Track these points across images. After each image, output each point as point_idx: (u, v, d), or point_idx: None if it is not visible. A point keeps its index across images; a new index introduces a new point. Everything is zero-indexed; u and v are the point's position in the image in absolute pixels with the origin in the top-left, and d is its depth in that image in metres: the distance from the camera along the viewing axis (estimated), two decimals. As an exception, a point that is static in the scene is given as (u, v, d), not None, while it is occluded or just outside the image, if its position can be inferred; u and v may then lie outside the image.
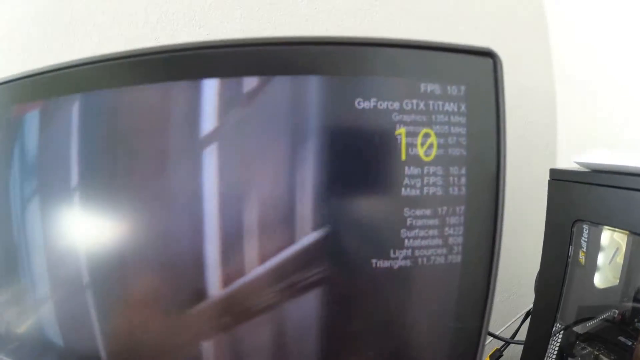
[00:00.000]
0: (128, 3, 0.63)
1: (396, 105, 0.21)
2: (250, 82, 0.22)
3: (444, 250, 0.22)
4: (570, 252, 0.51)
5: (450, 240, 0.22)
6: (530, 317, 0.59)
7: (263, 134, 0.23)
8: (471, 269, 0.22)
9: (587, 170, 0.50)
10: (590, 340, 0.55)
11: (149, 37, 0.63)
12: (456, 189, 0.22)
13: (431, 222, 0.22)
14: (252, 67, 0.22)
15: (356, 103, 0.21)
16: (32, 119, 0.28)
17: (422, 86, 0.21)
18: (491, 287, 0.22)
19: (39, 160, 0.29)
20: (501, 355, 0.68)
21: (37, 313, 0.33)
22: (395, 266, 0.22)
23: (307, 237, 0.22)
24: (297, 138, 0.22)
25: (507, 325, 0.74)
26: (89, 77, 0.26)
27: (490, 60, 0.22)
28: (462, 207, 0.22)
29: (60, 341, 0.31)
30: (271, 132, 0.23)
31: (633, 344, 0.51)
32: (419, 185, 0.21)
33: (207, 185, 0.24)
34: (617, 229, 0.48)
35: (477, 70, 0.22)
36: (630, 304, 0.52)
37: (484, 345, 0.23)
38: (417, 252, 0.22)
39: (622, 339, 0.52)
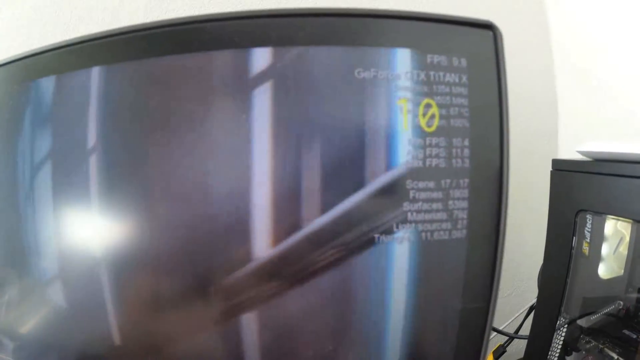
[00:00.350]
0: (128, 2, 0.64)
1: (397, 75, 0.21)
2: (259, 54, 0.22)
3: (449, 225, 0.22)
4: (574, 243, 0.51)
5: (455, 214, 0.22)
6: (534, 311, 0.59)
7: (263, 107, 0.23)
8: (477, 244, 0.22)
9: (589, 159, 0.50)
10: (594, 334, 0.55)
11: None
12: (460, 161, 0.21)
13: (434, 195, 0.21)
14: (259, 38, 0.22)
15: (356, 73, 0.21)
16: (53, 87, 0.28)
17: (424, 57, 0.21)
18: (498, 264, 0.22)
19: (62, 130, 0.29)
20: (505, 351, 0.68)
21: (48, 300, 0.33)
22: (399, 242, 0.22)
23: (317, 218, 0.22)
24: (297, 111, 0.22)
25: (510, 320, 0.74)
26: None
27: (490, 33, 0.22)
28: (466, 180, 0.22)
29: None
30: (270, 106, 0.22)
31: (638, 337, 0.51)
32: (421, 156, 0.21)
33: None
34: (620, 218, 0.48)
35: (477, 42, 0.22)
36: (634, 295, 0.51)
37: (490, 329, 0.22)
38: (420, 227, 0.21)
39: (626, 332, 0.52)
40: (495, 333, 0.70)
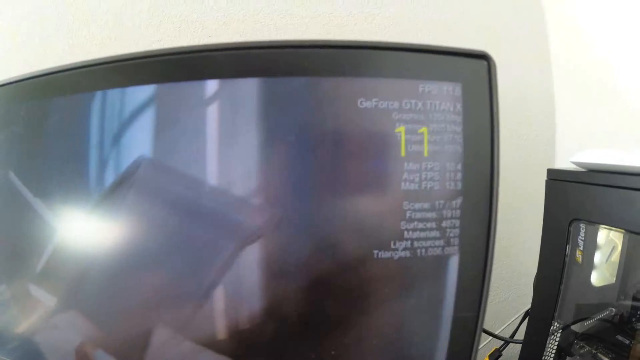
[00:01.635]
0: (131, 4, 0.65)
1: (396, 104, 0.23)
2: (257, 83, 0.24)
3: (442, 242, 0.24)
4: (568, 251, 0.52)
5: (448, 232, 0.24)
6: (528, 316, 0.61)
7: (274, 131, 0.25)
8: (468, 260, 0.24)
9: (583, 169, 0.51)
10: (588, 339, 0.56)
11: (152, 39, 0.65)
12: (452, 183, 0.23)
13: (429, 215, 0.24)
14: (259, 68, 0.24)
15: (359, 103, 0.23)
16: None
17: (420, 87, 0.23)
18: (486, 278, 0.24)
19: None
20: (500, 355, 0.69)
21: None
22: (396, 257, 0.24)
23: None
24: (304, 137, 0.24)
25: (505, 325, 0.75)
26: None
27: (485, 63, 0.24)
28: (459, 201, 0.24)
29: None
30: (279, 131, 0.24)
31: (631, 342, 0.52)
32: (417, 180, 0.23)
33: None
34: (613, 228, 0.50)
35: (472, 72, 0.24)
36: (627, 302, 0.53)
37: (480, 336, 0.24)
38: (415, 244, 0.24)
39: (620, 338, 0.54)
40: (490, 337, 0.71)
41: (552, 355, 0.57)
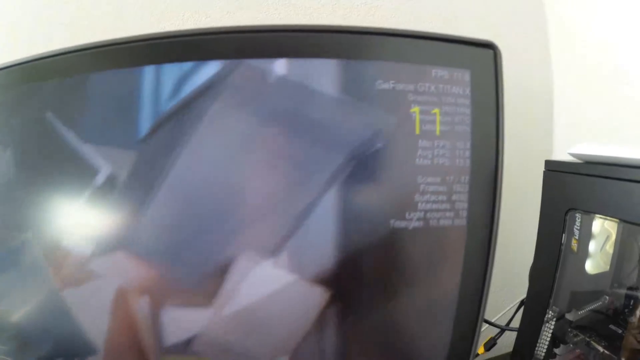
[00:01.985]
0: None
1: (411, 87, 0.25)
2: (285, 64, 0.26)
3: (452, 214, 0.26)
4: (564, 240, 0.55)
5: (457, 205, 0.26)
6: (524, 304, 0.63)
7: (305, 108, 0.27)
8: (475, 231, 0.26)
9: (580, 161, 0.53)
10: (582, 327, 0.58)
11: (154, 29, 0.65)
12: (462, 161, 0.26)
13: (440, 188, 0.26)
14: (290, 50, 0.26)
15: (376, 84, 0.25)
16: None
17: (433, 72, 0.25)
18: (492, 248, 0.26)
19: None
20: (495, 343, 0.72)
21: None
22: (410, 227, 0.26)
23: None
24: (324, 114, 0.26)
25: (501, 313, 0.77)
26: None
27: (491, 51, 0.26)
28: (467, 177, 0.26)
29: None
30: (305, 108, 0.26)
31: (623, 332, 0.55)
32: (430, 156, 0.25)
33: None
34: (607, 218, 0.52)
35: (480, 60, 0.26)
36: (621, 291, 0.56)
37: (486, 301, 0.27)
38: (428, 215, 0.26)
39: (612, 327, 0.56)
40: (487, 325, 0.72)
41: (547, 343, 0.59)
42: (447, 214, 0.27)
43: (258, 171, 0.29)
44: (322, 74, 0.25)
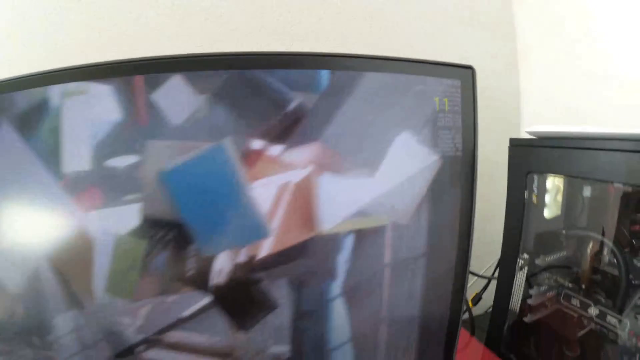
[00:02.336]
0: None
1: (433, 87, 0.44)
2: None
3: (454, 149, 0.45)
4: (526, 196, 0.70)
5: (457, 145, 0.45)
6: (500, 256, 0.75)
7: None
8: (466, 160, 0.45)
9: (534, 137, 0.69)
10: (549, 269, 0.73)
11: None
12: (457, 124, 0.45)
13: (448, 136, 0.45)
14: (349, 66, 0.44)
15: (414, 87, 0.44)
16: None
17: (444, 81, 0.44)
18: (475, 177, 0.45)
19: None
20: (481, 298, 0.86)
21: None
22: (436, 156, 0.45)
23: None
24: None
25: (484, 269, 0.90)
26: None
27: (471, 70, 0.45)
28: (460, 132, 0.45)
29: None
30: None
31: (579, 270, 0.69)
32: (444, 120, 0.44)
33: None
34: (557, 175, 0.69)
35: (465, 75, 0.45)
36: (573, 232, 0.70)
37: (470, 256, 0.44)
38: (442, 152, 0.45)
39: (573, 268, 0.70)
40: (475, 278, 0.85)
41: (522, 287, 0.73)
42: (452, 149, 0.46)
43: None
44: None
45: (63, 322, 0.43)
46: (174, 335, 0.44)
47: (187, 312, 0.44)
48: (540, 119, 0.92)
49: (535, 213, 0.72)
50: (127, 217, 0.42)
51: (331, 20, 0.82)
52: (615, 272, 0.61)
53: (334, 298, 0.47)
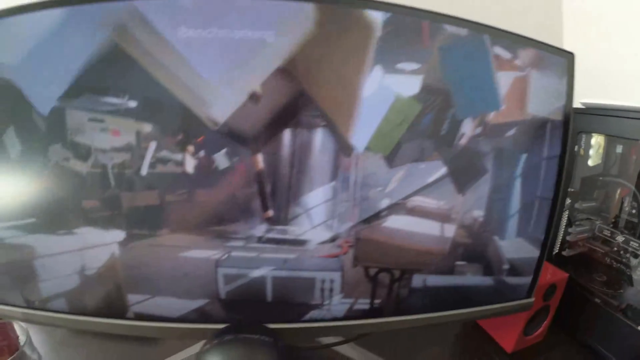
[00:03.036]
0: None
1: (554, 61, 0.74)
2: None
3: None
4: (576, 149, 1.01)
5: None
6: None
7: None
8: None
9: (584, 107, 0.99)
10: (586, 211, 1.01)
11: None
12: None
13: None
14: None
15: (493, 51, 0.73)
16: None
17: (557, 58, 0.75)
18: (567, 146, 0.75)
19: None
20: None
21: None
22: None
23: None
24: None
25: None
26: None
27: (572, 55, 0.76)
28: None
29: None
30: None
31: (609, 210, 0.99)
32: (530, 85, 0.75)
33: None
34: (598, 134, 0.98)
35: (570, 57, 0.75)
36: (608, 179, 1.00)
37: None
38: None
39: (603, 213, 1.00)
40: None
41: (564, 224, 1.01)
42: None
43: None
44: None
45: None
46: (415, 200, 0.63)
47: (431, 179, 0.66)
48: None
49: (581, 161, 1.02)
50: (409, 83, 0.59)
51: None
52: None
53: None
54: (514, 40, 0.63)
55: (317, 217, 0.60)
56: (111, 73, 0.53)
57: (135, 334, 0.64)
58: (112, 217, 0.58)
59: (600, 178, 1.02)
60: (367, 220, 0.63)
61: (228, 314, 0.65)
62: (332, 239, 0.61)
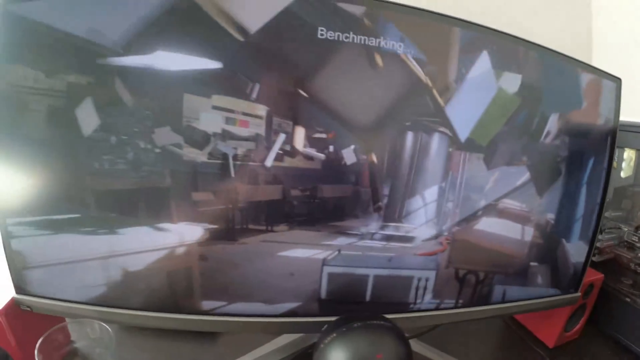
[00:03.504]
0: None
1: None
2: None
3: None
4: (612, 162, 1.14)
5: None
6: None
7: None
8: None
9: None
10: (616, 220, 1.13)
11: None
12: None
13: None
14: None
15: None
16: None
17: (602, 82, 0.85)
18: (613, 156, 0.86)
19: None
20: None
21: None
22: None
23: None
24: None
25: None
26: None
27: (620, 80, 0.86)
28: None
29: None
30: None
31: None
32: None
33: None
34: (631, 149, 1.11)
35: (617, 81, 0.85)
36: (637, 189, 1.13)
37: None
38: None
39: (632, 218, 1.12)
40: None
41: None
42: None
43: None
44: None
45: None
46: (504, 202, 0.74)
47: (519, 182, 0.74)
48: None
49: (615, 174, 1.12)
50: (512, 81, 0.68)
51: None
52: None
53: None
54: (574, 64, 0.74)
55: (426, 215, 0.67)
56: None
57: (221, 330, 0.68)
58: (225, 211, 0.59)
59: (631, 188, 1.11)
60: (466, 219, 0.70)
61: (322, 310, 0.68)
62: (436, 236, 0.68)
